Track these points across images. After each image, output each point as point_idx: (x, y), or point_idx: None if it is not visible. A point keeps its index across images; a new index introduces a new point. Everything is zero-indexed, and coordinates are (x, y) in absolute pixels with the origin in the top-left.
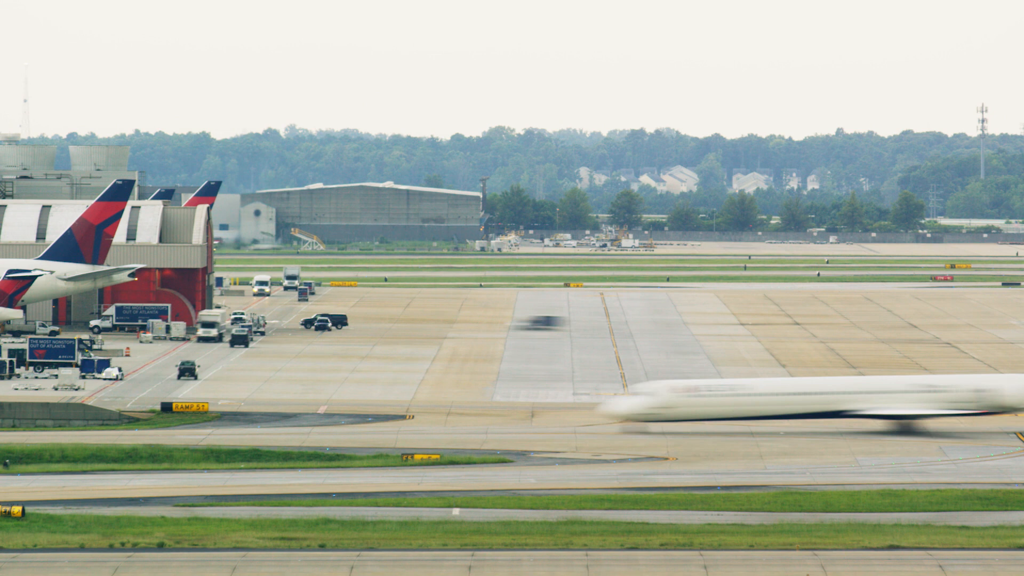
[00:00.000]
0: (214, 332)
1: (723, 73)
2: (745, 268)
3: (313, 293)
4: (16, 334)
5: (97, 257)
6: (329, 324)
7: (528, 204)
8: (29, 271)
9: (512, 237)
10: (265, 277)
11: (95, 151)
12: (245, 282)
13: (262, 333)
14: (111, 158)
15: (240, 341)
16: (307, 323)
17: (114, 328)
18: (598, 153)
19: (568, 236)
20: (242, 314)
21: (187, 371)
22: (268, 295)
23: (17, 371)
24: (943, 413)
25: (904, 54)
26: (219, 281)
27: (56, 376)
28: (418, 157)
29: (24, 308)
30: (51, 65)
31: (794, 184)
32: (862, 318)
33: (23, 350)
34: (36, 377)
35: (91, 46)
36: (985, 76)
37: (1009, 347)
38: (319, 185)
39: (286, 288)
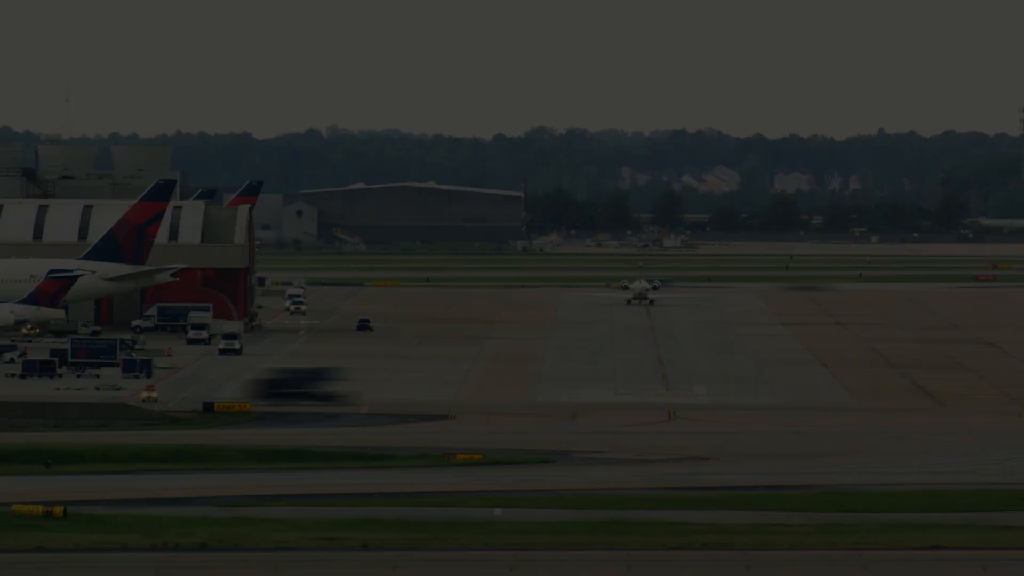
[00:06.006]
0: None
1: (764, 73)
2: (787, 268)
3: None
4: (58, 334)
5: (139, 257)
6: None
7: (570, 204)
8: (71, 271)
9: (554, 237)
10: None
11: (137, 151)
12: (287, 282)
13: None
14: (153, 158)
15: None
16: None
17: (155, 328)
18: (640, 153)
19: (609, 236)
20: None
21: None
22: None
23: (59, 371)
24: None
25: (945, 54)
26: (261, 281)
27: (98, 376)
28: (460, 157)
29: (66, 308)
30: (92, 65)
31: (836, 184)
32: (904, 318)
33: (65, 350)
34: (78, 376)
35: (132, 46)
36: None
37: None
38: (361, 185)
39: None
